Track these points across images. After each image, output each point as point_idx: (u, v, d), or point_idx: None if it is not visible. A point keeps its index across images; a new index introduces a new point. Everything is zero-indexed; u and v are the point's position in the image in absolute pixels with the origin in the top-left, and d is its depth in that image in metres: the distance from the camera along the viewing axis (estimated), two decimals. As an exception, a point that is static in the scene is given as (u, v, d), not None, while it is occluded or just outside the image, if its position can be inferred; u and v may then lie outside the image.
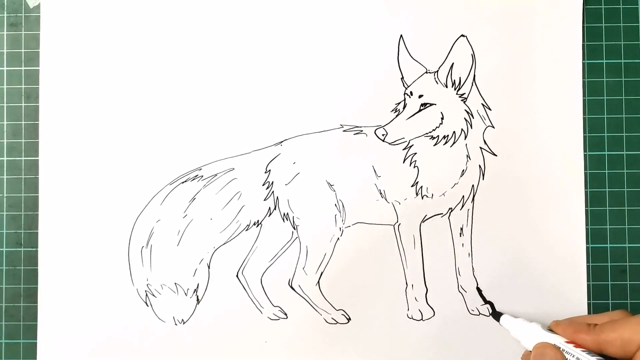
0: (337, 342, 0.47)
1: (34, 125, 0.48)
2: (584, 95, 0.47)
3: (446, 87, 0.47)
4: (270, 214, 0.47)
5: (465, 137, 0.47)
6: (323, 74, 0.47)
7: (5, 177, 0.48)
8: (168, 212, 0.47)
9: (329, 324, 0.47)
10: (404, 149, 0.47)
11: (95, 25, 0.48)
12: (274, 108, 0.47)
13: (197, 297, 0.47)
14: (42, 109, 0.48)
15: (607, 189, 0.47)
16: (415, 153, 0.47)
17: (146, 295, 0.47)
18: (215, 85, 0.48)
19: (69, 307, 0.47)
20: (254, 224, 0.47)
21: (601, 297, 0.47)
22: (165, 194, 0.47)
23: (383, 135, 0.46)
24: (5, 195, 0.48)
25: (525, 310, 0.46)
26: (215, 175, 0.47)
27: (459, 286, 0.47)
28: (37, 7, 0.48)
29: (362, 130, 0.47)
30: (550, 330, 0.42)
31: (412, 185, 0.47)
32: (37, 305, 0.47)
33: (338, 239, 0.47)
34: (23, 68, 0.48)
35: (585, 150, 0.47)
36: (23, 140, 0.48)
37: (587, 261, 0.47)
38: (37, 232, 0.47)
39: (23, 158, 0.48)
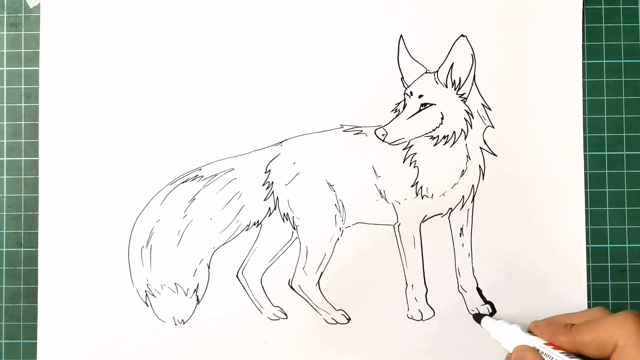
0: (337, 342, 0.47)
1: (33, 126, 0.48)
2: (584, 95, 0.47)
3: (446, 87, 0.47)
4: (270, 214, 0.47)
5: (465, 137, 0.47)
6: (323, 74, 0.47)
7: (5, 177, 0.48)
8: (168, 212, 0.47)
9: (329, 324, 0.47)
10: (403, 149, 0.47)
11: (95, 26, 0.48)
12: (274, 108, 0.47)
13: (197, 297, 0.47)
14: (42, 109, 0.48)
15: (607, 189, 0.47)
16: (415, 153, 0.47)
17: (146, 295, 0.47)
18: (215, 85, 0.48)
19: (69, 307, 0.47)
20: (254, 224, 0.47)
21: (601, 297, 0.47)
22: (165, 194, 0.47)
23: (383, 135, 0.46)
24: (5, 195, 0.48)
25: (524, 310, 0.46)
26: (215, 175, 0.47)
27: (459, 286, 0.47)
28: (37, 7, 0.48)
29: (362, 130, 0.47)
30: (530, 332, 0.42)
31: (412, 186, 0.47)
32: (37, 306, 0.47)
33: (338, 239, 0.47)
34: (23, 68, 0.48)
35: (585, 150, 0.47)
36: (23, 141, 0.48)
37: (587, 261, 0.47)
38: (37, 232, 0.47)
39: (23, 158, 0.48)
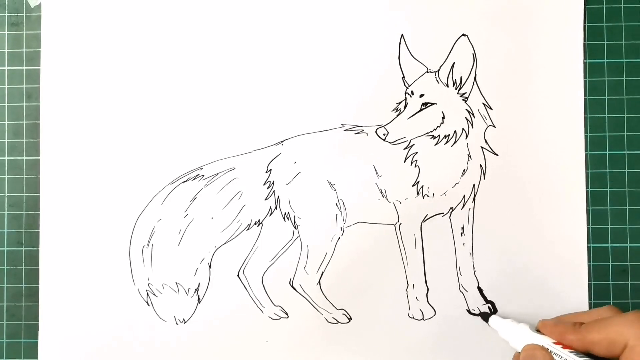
0: (338, 341, 0.47)
1: (35, 125, 0.48)
2: (585, 95, 0.47)
3: (447, 86, 0.47)
4: (271, 214, 0.47)
5: (466, 137, 0.47)
6: (324, 73, 0.47)
7: (6, 176, 0.48)
8: (169, 212, 0.47)
9: (330, 323, 0.47)
10: (404, 149, 0.47)
11: (96, 25, 0.48)
12: (275, 107, 0.47)
13: (198, 296, 0.47)
14: (43, 109, 0.48)
15: (608, 189, 0.47)
16: (416, 152, 0.47)
17: (147, 294, 0.47)
18: (216, 84, 0.48)
19: (70, 307, 0.47)
20: (255, 224, 0.47)
21: (602, 296, 0.47)
22: (166, 193, 0.47)
23: (384, 134, 0.46)
24: (6, 194, 0.48)
25: (526, 309, 0.46)
26: (216, 174, 0.47)
27: (460, 286, 0.47)
28: (38, 6, 0.48)
29: (363, 130, 0.47)
30: (538, 331, 0.42)
31: (413, 185, 0.47)
32: (38, 305, 0.47)
33: (339, 238, 0.47)
34: (24, 67, 0.48)
35: (586, 150, 0.47)
36: (24, 140, 0.48)
37: (588, 261, 0.47)
38: (38, 232, 0.47)
39: (24, 157, 0.48)
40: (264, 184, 0.47)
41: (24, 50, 0.49)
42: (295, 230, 0.47)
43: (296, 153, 0.47)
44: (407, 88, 0.47)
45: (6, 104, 0.48)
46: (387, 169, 0.47)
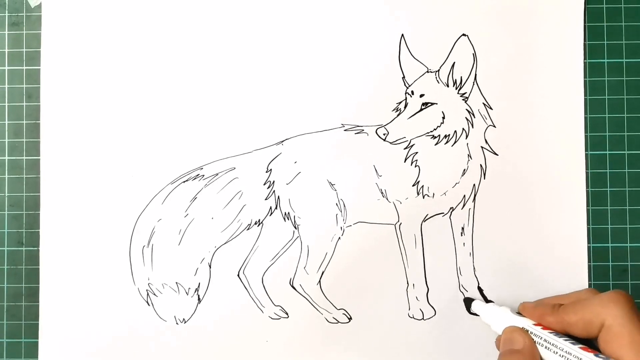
0: (338, 341, 0.47)
1: (35, 125, 0.48)
2: (585, 95, 0.47)
3: (447, 86, 0.47)
4: (271, 214, 0.47)
5: (467, 137, 0.47)
6: (324, 73, 0.47)
7: (6, 176, 0.48)
8: (169, 212, 0.47)
9: (330, 323, 0.47)
10: (405, 149, 0.47)
11: (96, 25, 0.48)
12: (275, 107, 0.47)
13: (199, 296, 0.47)
14: (43, 109, 0.48)
15: (608, 189, 0.47)
16: (417, 152, 0.47)
17: (147, 294, 0.47)
18: (216, 84, 0.48)
19: (71, 307, 0.47)
20: (255, 224, 0.47)
21: (602, 296, 0.47)
22: (167, 193, 0.47)
23: (384, 134, 0.46)
24: (6, 194, 0.48)
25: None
26: (217, 174, 0.47)
27: (460, 286, 0.47)
28: (39, 6, 0.48)
29: (363, 130, 0.47)
30: (519, 313, 0.42)
31: (413, 185, 0.47)
32: (38, 305, 0.47)
33: (339, 238, 0.47)
34: (24, 67, 0.48)
35: (586, 150, 0.47)
36: (24, 140, 0.48)
37: (589, 260, 0.47)
38: (38, 232, 0.47)
39: (24, 157, 0.48)
40: (264, 184, 0.47)
41: (24, 50, 0.49)
42: (296, 230, 0.47)
43: (296, 153, 0.47)
44: (407, 88, 0.47)
45: (6, 104, 0.48)
46: (387, 169, 0.47)
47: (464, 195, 0.47)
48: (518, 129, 0.47)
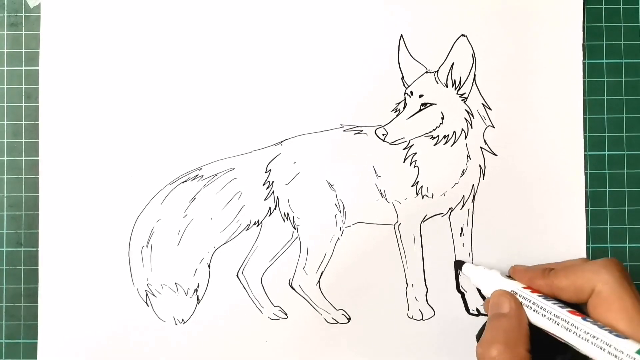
0: (338, 341, 0.47)
1: (34, 125, 0.48)
2: (584, 95, 0.47)
3: (446, 86, 0.47)
4: (270, 214, 0.47)
5: (466, 137, 0.47)
6: (323, 73, 0.47)
7: (5, 177, 0.48)
8: (168, 212, 0.47)
9: (329, 323, 0.47)
10: (404, 149, 0.47)
11: (95, 25, 0.48)
12: (274, 108, 0.47)
13: (198, 296, 0.47)
14: (42, 109, 0.48)
15: (607, 189, 0.47)
16: (416, 153, 0.47)
17: (146, 295, 0.47)
18: (216, 85, 0.48)
19: (70, 307, 0.47)
20: (254, 224, 0.47)
21: (601, 297, 0.47)
22: (166, 193, 0.47)
23: (383, 135, 0.46)
24: (5, 195, 0.48)
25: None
26: (216, 175, 0.47)
27: (460, 286, 0.47)
28: (38, 7, 0.48)
29: (362, 130, 0.47)
30: (509, 276, 0.42)
31: (413, 185, 0.47)
32: (37, 305, 0.47)
33: (338, 238, 0.47)
34: (23, 68, 0.48)
35: (585, 150, 0.47)
36: (23, 140, 0.48)
37: (588, 261, 0.47)
38: (37, 232, 0.47)
39: (23, 158, 0.48)
40: (264, 184, 0.47)
41: (23, 50, 0.48)
42: (295, 231, 0.47)
43: (295, 153, 0.47)
44: (406, 88, 0.47)
45: (5, 105, 0.48)
46: (386, 170, 0.47)
47: (463, 196, 0.47)
48: (517, 129, 0.47)
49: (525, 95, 0.47)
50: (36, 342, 0.47)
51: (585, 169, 0.47)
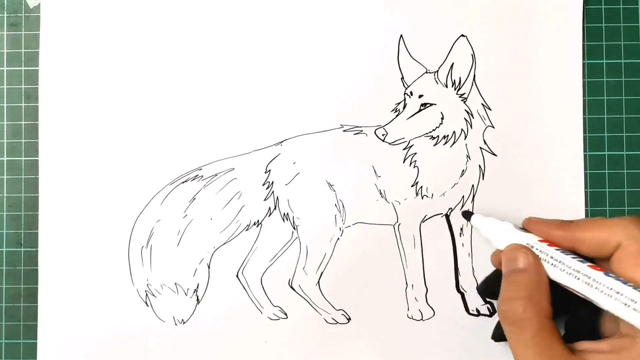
0: (337, 342, 0.47)
1: (34, 126, 0.48)
2: (584, 96, 0.47)
3: (446, 87, 0.47)
4: (270, 214, 0.47)
5: (465, 137, 0.47)
6: (323, 74, 0.47)
7: (5, 177, 0.48)
8: (168, 212, 0.47)
9: (329, 324, 0.47)
10: (403, 149, 0.47)
11: (95, 26, 0.48)
12: (274, 108, 0.47)
13: (197, 297, 0.47)
14: (42, 109, 0.48)
15: (607, 189, 0.47)
16: (415, 153, 0.47)
17: (146, 295, 0.47)
18: (215, 85, 0.48)
19: (69, 307, 0.47)
20: (254, 224, 0.47)
21: (601, 297, 0.47)
22: (165, 194, 0.47)
23: (383, 135, 0.46)
24: (5, 195, 0.48)
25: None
26: (215, 175, 0.47)
27: (460, 286, 0.47)
28: (37, 7, 0.48)
29: (362, 130, 0.47)
30: (523, 228, 0.41)
31: (412, 185, 0.47)
32: (37, 306, 0.47)
33: (338, 239, 0.47)
34: (23, 68, 0.48)
35: (585, 151, 0.47)
36: (23, 141, 0.48)
37: (587, 261, 0.47)
38: (37, 232, 0.47)
39: (23, 158, 0.48)
40: (263, 185, 0.47)
41: (22, 50, 0.48)
42: (295, 231, 0.47)
43: (295, 153, 0.47)
44: (406, 89, 0.47)
45: (5, 105, 0.48)
46: (386, 170, 0.47)
47: (463, 196, 0.47)
48: (517, 129, 0.47)
49: (525, 95, 0.47)
50: (36, 343, 0.47)
51: (585, 169, 0.47)
